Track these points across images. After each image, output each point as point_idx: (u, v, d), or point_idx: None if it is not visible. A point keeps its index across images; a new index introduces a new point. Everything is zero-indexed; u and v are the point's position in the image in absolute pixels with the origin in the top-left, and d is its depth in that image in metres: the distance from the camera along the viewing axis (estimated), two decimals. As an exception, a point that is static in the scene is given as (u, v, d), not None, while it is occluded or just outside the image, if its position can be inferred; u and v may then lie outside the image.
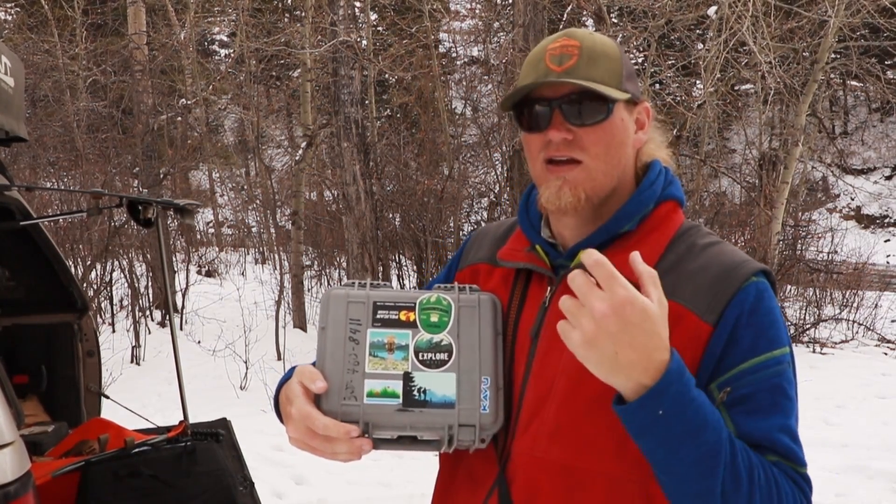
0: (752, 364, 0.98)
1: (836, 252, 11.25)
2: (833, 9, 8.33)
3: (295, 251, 10.28)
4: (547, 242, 1.15)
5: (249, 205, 20.94)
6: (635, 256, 0.89)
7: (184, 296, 10.43)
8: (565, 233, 1.13)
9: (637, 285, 0.89)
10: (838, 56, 11.93)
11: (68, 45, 14.30)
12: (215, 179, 22.29)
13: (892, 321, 10.32)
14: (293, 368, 1.09)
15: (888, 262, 17.99)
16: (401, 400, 1.01)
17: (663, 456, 0.90)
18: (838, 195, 22.66)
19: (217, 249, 18.07)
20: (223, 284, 13.07)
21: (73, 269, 4.61)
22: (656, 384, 0.87)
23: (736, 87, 14.71)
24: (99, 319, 9.02)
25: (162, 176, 10.83)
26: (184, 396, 2.91)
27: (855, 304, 10.24)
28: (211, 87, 13.65)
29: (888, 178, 23.25)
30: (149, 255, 9.71)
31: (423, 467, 4.52)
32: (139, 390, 6.37)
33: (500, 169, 11.67)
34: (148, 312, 9.38)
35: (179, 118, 13.58)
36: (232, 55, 15.84)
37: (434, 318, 1.07)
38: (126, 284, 9.19)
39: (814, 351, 8.74)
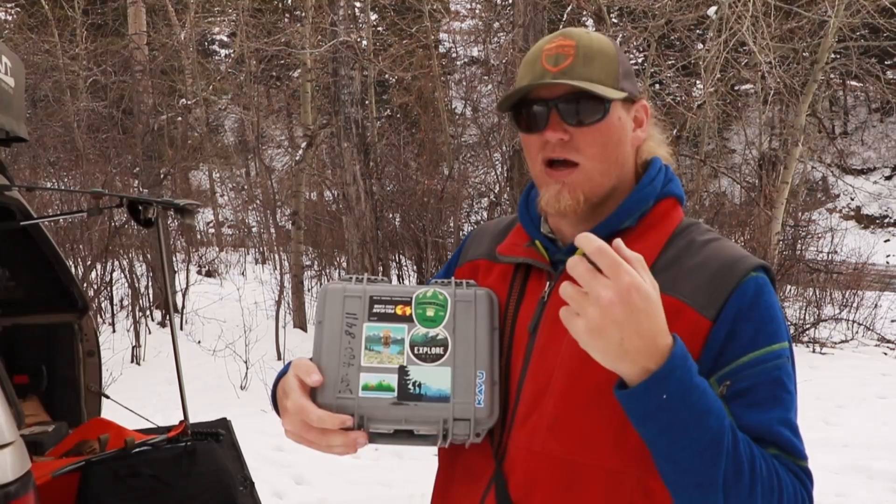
0: (751, 357, 0.98)
1: (835, 252, 11.25)
2: (833, 9, 8.33)
3: (295, 251, 10.28)
4: (546, 238, 1.15)
5: (249, 205, 20.94)
6: (619, 243, 0.88)
7: (184, 296, 10.43)
8: (565, 229, 1.14)
9: None
10: (838, 56, 11.93)
11: (68, 45, 14.30)
12: (215, 179, 22.29)
13: (892, 321, 10.32)
14: (290, 363, 1.10)
15: (888, 262, 18.00)
16: (396, 393, 1.02)
17: (666, 444, 0.90)
18: (838, 195, 22.66)
19: (217, 249, 18.06)
20: (223, 284, 13.06)
21: (73, 269, 4.61)
22: (661, 368, 0.87)
23: (736, 87, 14.71)
24: (99, 319, 9.01)
25: (162, 176, 10.82)
26: (184, 396, 2.92)
27: (855, 304, 10.24)
28: (211, 87, 13.66)
29: (888, 178, 23.26)
30: (149, 255, 9.70)
31: (424, 467, 4.52)
32: (139, 390, 6.36)
33: (500, 169, 11.67)
34: (148, 312, 9.37)
35: (179, 118, 13.57)
36: (232, 55, 15.86)
37: (430, 313, 1.07)
38: (126, 284, 9.19)
39: (814, 351, 8.74)
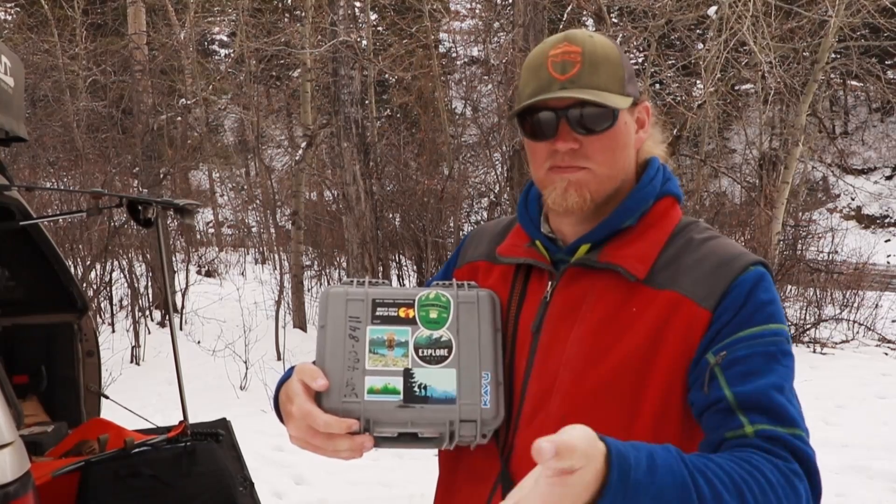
0: (748, 332, 0.98)
1: (836, 252, 11.25)
2: (833, 9, 8.33)
3: (295, 251, 10.28)
4: (546, 237, 1.16)
5: (249, 205, 20.95)
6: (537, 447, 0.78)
7: (183, 296, 10.43)
8: (565, 228, 1.14)
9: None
10: (838, 56, 11.94)
11: (68, 45, 14.30)
12: (215, 179, 22.29)
13: (893, 321, 10.32)
14: (293, 367, 1.10)
15: (888, 262, 17.99)
16: (401, 396, 1.02)
17: None
18: (838, 195, 22.66)
19: (217, 249, 18.07)
20: (223, 284, 13.07)
21: (73, 269, 4.61)
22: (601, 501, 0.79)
23: (736, 87, 14.71)
24: (99, 319, 9.01)
25: (162, 176, 10.82)
26: (184, 396, 2.91)
27: (855, 305, 10.24)
28: (211, 87, 13.65)
29: (888, 178, 23.25)
30: (149, 255, 9.70)
31: (424, 467, 4.52)
32: (139, 390, 6.36)
33: (500, 169, 11.67)
34: (148, 312, 9.37)
35: (179, 118, 13.57)
36: (232, 55, 15.85)
37: (433, 315, 1.07)
38: (126, 284, 9.19)
39: (814, 351, 8.74)
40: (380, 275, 8.97)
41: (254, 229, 20.60)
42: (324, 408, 1.00)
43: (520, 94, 1.10)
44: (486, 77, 14.69)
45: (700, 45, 11.53)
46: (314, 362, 1.07)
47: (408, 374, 1.03)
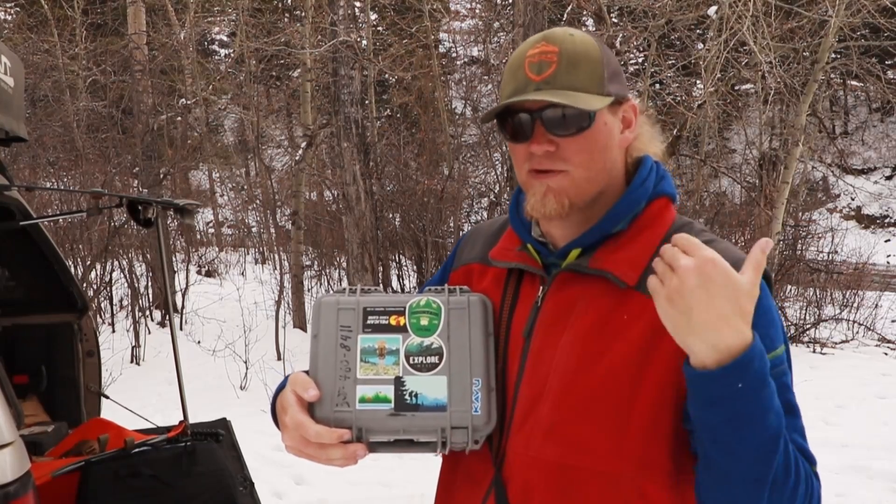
0: None
1: (836, 252, 11.25)
2: (833, 9, 8.32)
3: (295, 251, 10.28)
4: (538, 241, 1.14)
5: (249, 205, 20.95)
6: (762, 242, 0.89)
7: (184, 296, 10.43)
8: (555, 232, 1.13)
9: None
10: (838, 56, 11.93)
11: (68, 45, 14.30)
12: (215, 179, 22.30)
13: (893, 321, 10.32)
14: (288, 377, 1.10)
15: (888, 263, 18.00)
16: (392, 405, 1.02)
17: (728, 432, 0.89)
18: (838, 195, 22.66)
19: (217, 249, 18.07)
20: (223, 284, 13.07)
21: (73, 269, 4.61)
22: (743, 355, 0.86)
23: (736, 87, 14.71)
24: (99, 319, 9.01)
25: (162, 176, 10.82)
26: (184, 396, 2.91)
27: (855, 305, 10.23)
28: (211, 87, 13.65)
29: (888, 178, 23.26)
30: (149, 255, 9.70)
31: (424, 468, 4.52)
32: (139, 390, 6.36)
33: (500, 169, 11.68)
34: (148, 312, 9.37)
35: (179, 118, 13.57)
36: (232, 55, 15.86)
37: (424, 322, 1.07)
38: (126, 284, 9.19)
39: (814, 351, 8.74)
40: (380, 275, 8.97)
41: (254, 229, 20.60)
42: (316, 418, 1.01)
43: (500, 95, 1.09)
44: (486, 77, 14.70)
45: (700, 45, 11.53)
46: (307, 371, 1.07)
47: (399, 383, 1.03)
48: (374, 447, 1.03)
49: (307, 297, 10.51)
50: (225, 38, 22.06)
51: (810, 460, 0.99)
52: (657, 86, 12.02)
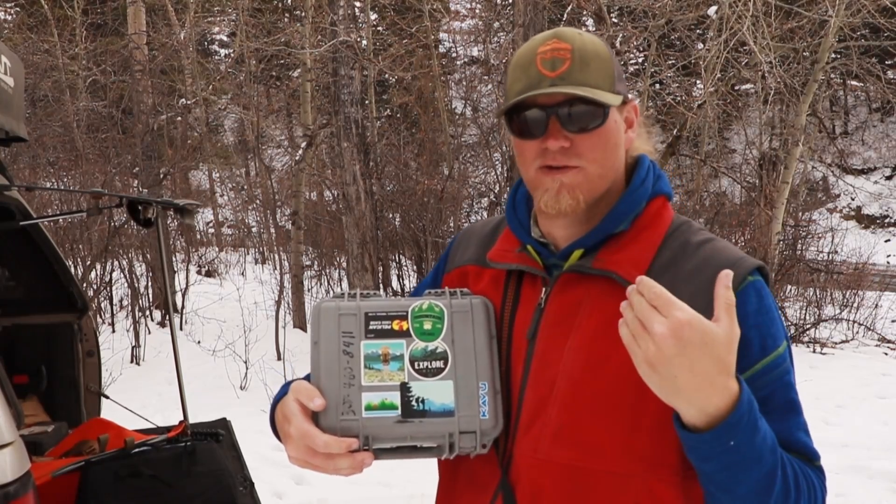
0: (763, 365, 1.00)
1: (836, 252, 11.25)
2: (833, 9, 8.32)
3: (295, 251, 10.28)
4: (538, 242, 1.13)
5: (249, 205, 20.95)
6: (723, 277, 0.89)
7: (184, 296, 10.43)
8: (556, 233, 1.12)
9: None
10: (838, 56, 11.93)
11: (68, 45, 14.31)
12: (215, 179, 22.30)
13: (893, 321, 10.32)
14: (288, 384, 1.08)
15: (888, 262, 18.00)
16: (400, 411, 1.01)
17: (725, 478, 0.92)
18: (838, 195, 22.67)
19: (217, 249, 18.07)
20: (223, 284, 13.07)
21: (73, 269, 4.61)
22: (731, 416, 0.87)
23: (736, 87, 14.71)
24: (99, 319, 9.01)
25: (162, 176, 10.82)
26: (184, 396, 2.91)
27: (855, 305, 10.23)
28: (211, 87, 13.65)
29: (888, 178, 23.26)
30: (149, 255, 9.70)
31: (424, 468, 4.50)
32: (139, 390, 6.36)
33: (500, 169, 11.69)
34: (148, 312, 9.38)
35: (179, 118, 13.59)
36: (232, 55, 15.86)
37: (427, 326, 1.06)
38: (126, 284, 9.19)
39: (814, 351, 8.73)
40: (380, 275, 8.97)
41: (254, 229, 20.61)
42: (322, 427, 0.99)
43: (508, 91, 1.07)
44: (486, 77, 14.70)
45: (700, 45, 11.53)
46: (307, 377, 1.06)
47: (405, 389, 1.02)
48: (378, 454, 1.02)
49: (307, 297, 10.51)
50: (225, 38, 22.07)
51: (813, 457, 1.01)
52: (657, 86, 12.02)
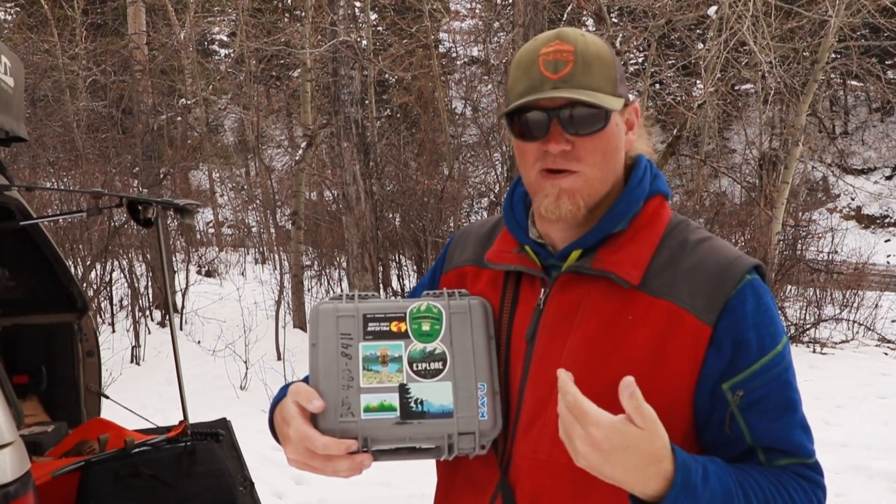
0: (762, 364, 1.00)
1: (836, 252, 11.25)
2: (833, 9, 8.32)
3: (295, 251, 10.28)
4: (535, 243, 1.13)
5: (249, 205, 20.95)
6: (623, 387, 0.89)
7: (184, 296, 10.43)
8: (554, 234, 1.12)
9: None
10: (838, 56, 11.94)
11: (68, 44, 14.30)
12: (215, 179, 22.30)
13: (893, 321, 10.32)
14: (286, 386, 1.08)
15: (888, 263, 18.00)
16: (398, 413, 1.01)
17: None
18: (838, 195, 22.66)
19: (217, 249, 18.07)
20: (223, 284, 13.07)
21: (73, 269, 4.61)
22: (669, 493, 0.90)
23: (736, 87, 14.71)
24: (99, 319, 9.02)
25: (162, 176, 10.83)
26: (184, 396, 2.91)
27: (855, 305, 10.23)
28: (211, 87, 13.65)
29: (888, 178, 23.26)
30: (149, 255, 9.71)
31: (424, 468, 4.49)
32: (139, 390, 6.36)
33: (500, 169, 11.69)
34: (148, 312, 9.38)
35: (179, 118, 13.58)
36: (232, 55, 15.86)
37: (426, 327, 1.06)
38: (126, 284, 9.19)
39: (814, 351, 8.73)
40: (380, 275, 8.97)
41: (254, 229, 20.60)
42: (320, 429, 0.99)
43: (509, 92, 1.07)
44: (486, 77, 14.70)
45: (700, 45, 11.53)
46: (305, 379, 1.06)
47: (403, 390, 1.02)
48: (377, 455, 1.02)
49: (307, 297, 10.51)
50: (225, 38, 22.06)
51: (806, 455, 1.02)
52: (657, 86, 12.02)
